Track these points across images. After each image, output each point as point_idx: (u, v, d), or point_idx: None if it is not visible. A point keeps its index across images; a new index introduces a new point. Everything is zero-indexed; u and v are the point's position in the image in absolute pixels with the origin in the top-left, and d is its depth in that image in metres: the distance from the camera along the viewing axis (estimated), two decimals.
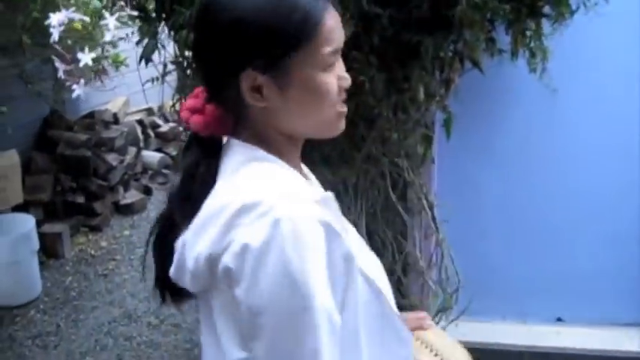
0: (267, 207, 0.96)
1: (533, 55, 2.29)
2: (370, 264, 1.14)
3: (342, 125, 1.11)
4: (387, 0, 1.81)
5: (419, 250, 2.70)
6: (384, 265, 2.27)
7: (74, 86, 1.70)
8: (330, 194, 1.02)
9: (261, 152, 1.07)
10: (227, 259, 0.96)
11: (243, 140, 1.09)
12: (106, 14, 1.59)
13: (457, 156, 2.75)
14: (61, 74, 1.67)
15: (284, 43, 1.02)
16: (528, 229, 2.86)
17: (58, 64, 1.65)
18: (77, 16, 1.53)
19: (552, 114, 2.73)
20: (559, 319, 2.97)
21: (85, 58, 1.58)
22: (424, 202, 2.58)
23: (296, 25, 1.01)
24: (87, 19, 1.57)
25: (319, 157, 2.29)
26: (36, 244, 3.96)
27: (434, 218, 2.59)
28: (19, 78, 3.98)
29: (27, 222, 3.96)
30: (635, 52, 2.63)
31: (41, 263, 4.17)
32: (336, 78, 1.07)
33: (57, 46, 1.56)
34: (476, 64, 2.07)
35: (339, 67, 1.08)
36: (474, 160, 2.81)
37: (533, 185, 2.83)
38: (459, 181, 2.83)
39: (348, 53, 1.90)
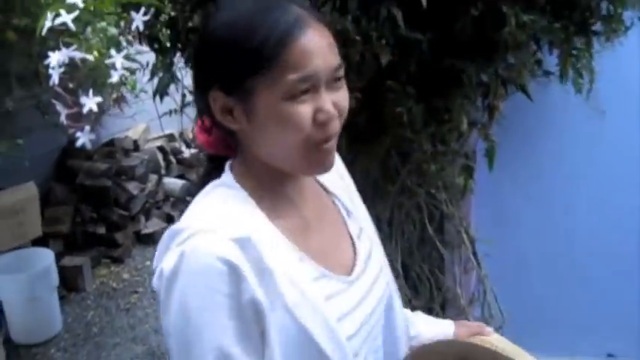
0: (186, 236, 0.95)
1: (580, 75, 2.08)
2: (337, 308, 1.02)
3: (326, 163, 1.01)
4: (426, 24, 1.61)
5: (458, 286, 2.51)
6: (421, 301, 2.03)
7: (78, 133, 1.50)
8: (247, 237, 0.94)
9: (230, 178, 1.05)
10: (154, 280, 0.99)
11: (236, 163, 1.07)
12: (112, 52, 1.39)
13: (495, 185, 2.54)
14: (62, 119, 1.47)
15: (243, 65, 0.95)
16: (574, 261, 2.65)
17: (59, 107, 1.45)
18: (79, 54, 1.35)
19: (599, 139, 2.51)
20: (610, 355, 2.76)
21: (90, 102, 1.39)
22: (464, 235, 2.38)
23: (256, 45, 0.93)
24: (90, 57, 1.38)
25: None
26: (55, 280, 3.78)
27: (475, 253, 2.40)
28: (35, 109, 3.82)
29: (46, 257, 3.78)
30: None
31: (61, 297, 3.99)
32: (312, 109, 0.95)
33: (58, 88, 1.37)
34: (523, 88, 1.87)
35: (321, 98, 0.96)
36: (514, 189, 2.60)
37: (577, 215, 2.62)
38: (498, 212, 2.62)
39: (382, 83, 1.71)
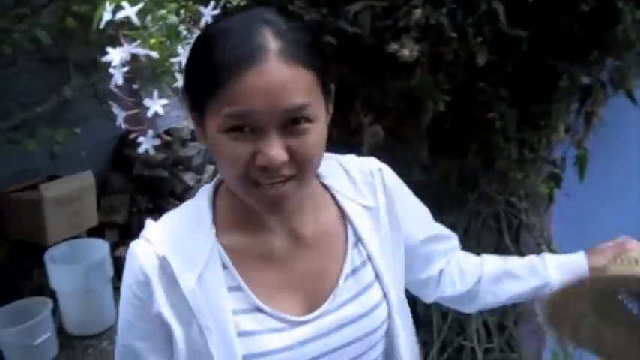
0: (140, 236, 1.01)
1: None
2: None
3: (273, 205, 0.94)
4: (528, 20, 1.40)
5: (534, 302, 2.30)
6: (494, 317, 1.84)
7: (140, 138, 1.35)
8: (164, 255, 0.97)
9: (209, 187, 1.05)
10: None
11: None
12: (179, 50, 1.22)
13: (580, 195, 2.31)
14: (120, 122, 1.30)
15: (199, 82, 0.91)
16: None
17: (116, 109, 1.28)
18: (143, 51, 1.18)
19: None
20: None
21: (155, 105, 1.22)
22: (544, 247, 2.17)
23: (211, 66, 0.88)
24: (155, 54, 1.21)
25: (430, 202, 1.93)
26: (110, 272, 3.67)
27: None
28: (93, 97, 3.71)
29: (101, 248, 3.68)
30: None
31: (115, 288, 3.88)
32: (251, 149, 0.89)
33: (114, 89, 1.20)
34: (629, 93, 1.64)
35: (265, 140, 0.88)
36: (600, 200, 2.36)
37: None
38: (581, 225, 2.39)
39: (472, 84, 1.51)
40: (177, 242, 0.99)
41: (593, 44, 1.50)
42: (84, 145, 3.76)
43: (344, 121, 1.57)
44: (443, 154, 1.73)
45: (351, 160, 1.14)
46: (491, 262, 1.27)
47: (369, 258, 1.07)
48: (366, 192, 1.09)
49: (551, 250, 2.16)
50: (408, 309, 1.13)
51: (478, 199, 2.02)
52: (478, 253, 2.14)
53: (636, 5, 1.45)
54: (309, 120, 0.90)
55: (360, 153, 1.40)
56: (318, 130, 0.92)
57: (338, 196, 1.08)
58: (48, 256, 3.54)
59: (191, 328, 0.97)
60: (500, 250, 2.20)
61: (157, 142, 1.37)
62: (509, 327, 2.23)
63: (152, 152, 1.38)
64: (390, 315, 1.08)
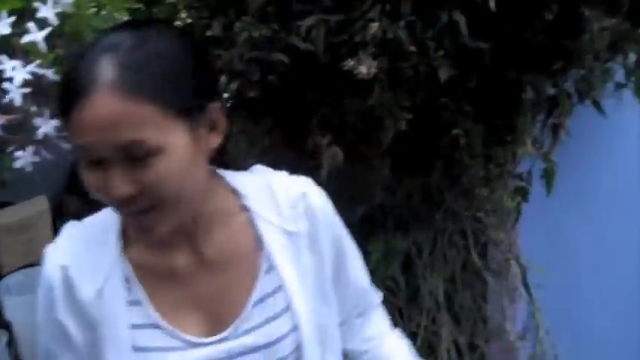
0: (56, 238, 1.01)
1: None
2: None
3: (144, 236, 0.93)
4: (491, 32, 1.31)
5: (506, 319, 2.22)
6: (464, 335, 1.92)
7: (18, 152, 1.23)
8: (67, 265, 0.96)
9: None
10: None
11: None
12: None
13: (548, 208, 2.24)
14: None
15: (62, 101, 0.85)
16: (635, 292, 2.34)
17: None
18: (47, 73, 1.04)
19: None
20: None
21: (46, 126, 1.12)
22: (512, 263, 2.10)
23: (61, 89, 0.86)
24: (57, 77, 1.08)
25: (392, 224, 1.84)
26: None
27: (526, 283, 2.11)
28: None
29: None
30: None
31: None
32: (100, 181, 0.85)
33: None
34: (596, 104, 1.56)
35: (107, 173, 0.83)
36: (569, 212, 2.29)
37: (635, 241, 2.32)
38: (551, 238, 2.32)
39: (434, 100, 1.42)
40: (81, 253, 0.98)
41: (558, 54, 1.42)
42: (36, 169, 3.60)
43: (300, 142, 1.47)
44: (406, 173, 1.64)
45: (280, 179, 1.06)
46: (383, 349, 1.20)
47: (282, 286, 1.00)
48: (289, 215, 1.02)
49: (520, 265, 2.09)
50: (335, 340, 1.07)
51: (444, 216, 1.94)
52: (447, 273, 2.08)
53: (604, 13, 1.37)
54: (151, 153, 0.82)
55: (318, 176, 1.30)
56: (170, 161, 0.84)
57: (257, 219, 1.01)
58: (2, 286, 3.36)
59: (89, 337, 0.96)
60: (467, 266, 2.12)
61: (37, 158, 1.26)
62: (480, 346, 2.15)
63: (29, 168, 1.28)
64: (299, 347, 1.01)
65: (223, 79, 1.38)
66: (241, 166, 1.09)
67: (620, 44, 1.49)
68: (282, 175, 1.07)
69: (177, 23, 1.44)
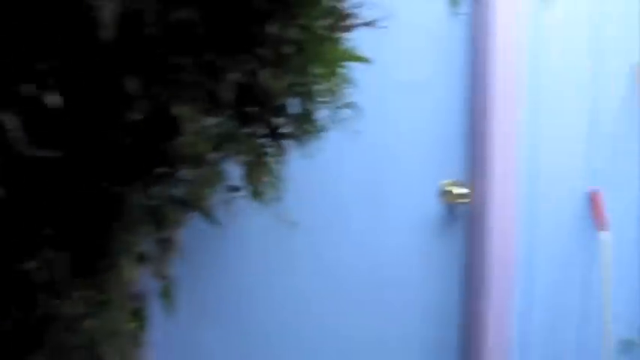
0: None
1: (270, 186, 1.61)
2: None
3: None
4: (62, 136, 0.98)
5: None
6: None
7: None
8: None
9: None
10: None
11: None
12: None
13: (178, 324, 1.95)
14: None
15: None
16: None
17: None
18: None
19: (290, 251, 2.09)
20: None
21: None
22: None
23: None
24: None
25: None
26: None
27: None
28: None
29: None
30: None
31: None
32: None
33: None
34: (206, 213, 1.33)
35: None
36: (198, 323, 2.03)
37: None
38: (182, 352, 2.03)
39: None
40: None
41: (156, 159, 1.15)
42: None
43: None
44: None
45: None
46: None
47: None
48: None
49: None
50: None
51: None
52: None
53: (202, 111, 1.15)
54: None
55: None
56: None
57: None
58: None
59: None
60: None
61: None
62: None
63: None
64: None
65: None
66: None
67: (226, 146, 1.29)
68: None
69: None
